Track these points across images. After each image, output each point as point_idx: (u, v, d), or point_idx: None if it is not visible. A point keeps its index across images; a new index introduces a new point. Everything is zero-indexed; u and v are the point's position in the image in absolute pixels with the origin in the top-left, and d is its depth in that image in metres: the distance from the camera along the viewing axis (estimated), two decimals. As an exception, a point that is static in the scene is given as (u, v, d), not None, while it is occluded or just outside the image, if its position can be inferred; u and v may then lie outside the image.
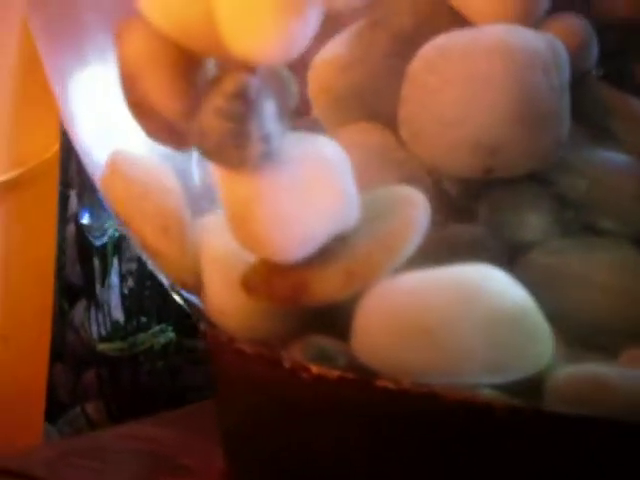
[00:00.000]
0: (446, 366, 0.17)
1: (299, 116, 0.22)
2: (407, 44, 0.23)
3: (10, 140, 0.31)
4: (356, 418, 0.19)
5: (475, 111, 0.21)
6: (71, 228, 0.31)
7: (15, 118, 0.30)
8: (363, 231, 0.18)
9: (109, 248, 0.33)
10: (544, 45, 0.21)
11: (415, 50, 0.23)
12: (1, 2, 0.28)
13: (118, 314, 0.33)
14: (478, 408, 0.17)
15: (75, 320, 0.32)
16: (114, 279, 0.33)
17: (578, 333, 0.21)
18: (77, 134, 0.25)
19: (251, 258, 0.20)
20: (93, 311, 0.32)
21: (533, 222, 0.23)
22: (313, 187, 0.17)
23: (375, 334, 0.18)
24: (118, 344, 0.33)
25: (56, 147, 0.30)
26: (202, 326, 0.25)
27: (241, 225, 0.18)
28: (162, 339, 0.35)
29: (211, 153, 0.17)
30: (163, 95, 0.17)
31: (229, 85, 0.16)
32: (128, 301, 0.34)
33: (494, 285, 0.17)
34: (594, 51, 0.23)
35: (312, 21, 0.16)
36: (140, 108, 0.18)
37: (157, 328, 0.35)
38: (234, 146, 0.16)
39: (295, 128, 0.19)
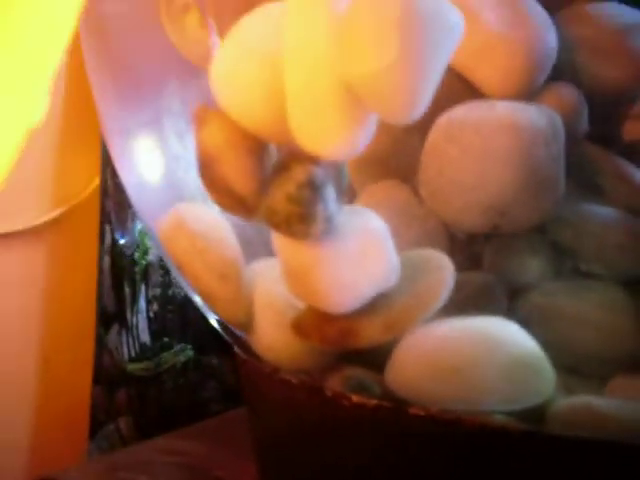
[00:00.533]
0: (469, 398, 0.22)
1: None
2: (426, 114, 0.28)
3: (53, 179, 0.35)
4: (390, 440, 0.24)
5: (487, 178, 0.25)
6: (106, 260, 0.36)
7: (58, 157, 0.34)
8: (401, 288, 0.22)
9: (138, 276, 0.37)
10: (545, 121, 0.26)
11: (433, 119, 0.27)
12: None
13: (145, 336, 0.38)
14: (495, 431, 0.22)
15: (109, 344, 0.36)
16: (142, 304, 0.37)
17: (572, 364, 0.26)
18: (131, 186, 0.29)
19: (300, 304, 0.25)
20: (124, 334, 0.37)
21: (531, 266, 0.27)
22: (363, 254, 0.22)
23: (410, 371, 0.23)
24: (145, 364, 0.38)
25: (96, 182, 0.34)
26: (242, 356, 0.29)
27: (300, 283, 0.23)
28: (182, 357, 0.39)
29: (279, 228, 0.21)
30: (237, 175, 0.22)
31: (299, 175, 0.20)
32: (153, 324, 0.38)
33: (509, 334, 0.22)
34: (585, 117, 0.28)
35: (370, 126, 0.20)
36: (216, 185, 0.22)
37: (178, 347, 0.39)
38: (301, 224, 0.21)
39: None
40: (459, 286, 0.25)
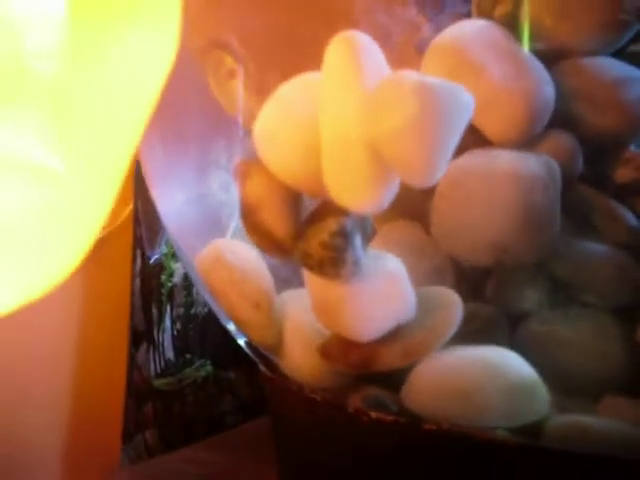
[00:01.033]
0: (475, 416, 0.27)
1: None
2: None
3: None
4: (406, 452, 0.28)
5: (491, 221, 0.29)
6: (137, 282, 0.40)
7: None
8: (417, 321, 0.27)
9: (164, 297, 0.42)
10: (543, 168, 0.30)
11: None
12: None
13: (170, 353, 0.42)
14: (497, 444, 0.27)
15: (139, 361, 0.40)
16: (167, 323, 0.42)
17: (567, 385, 0.29)
18: (170, 221, 0.33)
19: (327, 331, 0.29)
20: (152, 352, 0.41)
21: (530, 297, 0.31)
22: (384, 293, 0.26)
23: (424, 392, 0.27)
24: (170, 379, 0.42)
25: (129, 209, 0.38)
26: (268, 374, 0.33)
27: (328, 316, 0.27)
28: (202, 372, 0.44)
29: (313, 269, 0.25)
30: (276, 222, 0.26)
31: (332, 225, 0.25)
32: (177, 341, 0.43)
33: (509, 361, 0.26)
34: (580, 161, 0.32)
35: (394, 184, 0.24)
36: (256, 230, 0.26)
37: (198, 363, 0.44)
38: (332, 267, 0.25)
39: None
40: (468, 318, 0.29)
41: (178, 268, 0.42)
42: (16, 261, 0.21)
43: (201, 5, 0.31)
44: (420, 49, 0.31)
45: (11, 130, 0.17)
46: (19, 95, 0.18)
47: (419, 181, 0.24)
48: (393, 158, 0.24)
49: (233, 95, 0.29)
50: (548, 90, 0.30)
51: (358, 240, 0.25)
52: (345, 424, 0.29)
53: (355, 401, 0.29)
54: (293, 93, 0.26)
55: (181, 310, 0.42)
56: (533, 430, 0.27)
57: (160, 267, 0.41)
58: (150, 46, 0.21)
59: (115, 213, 0.38)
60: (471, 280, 0.31)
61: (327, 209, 0.25)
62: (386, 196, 0.24)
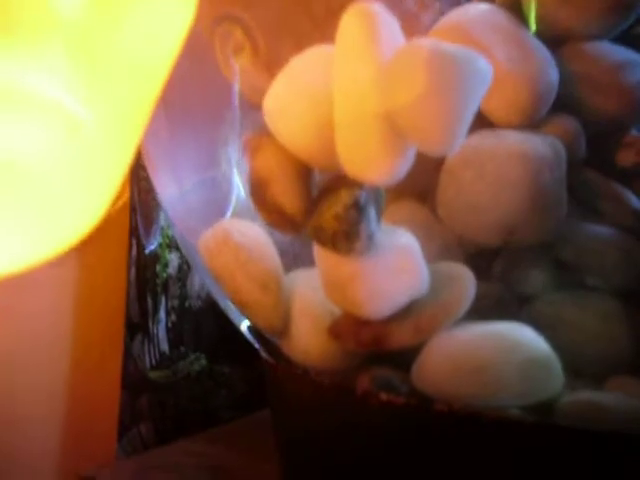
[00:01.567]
0: (489, 395, 0.26)
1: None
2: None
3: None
4: (417, 435, 0.28)
5: (500, 201, 0.30)
6: (133, 271, 0.39)
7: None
8: (428, 297, 0.26)
9: (159, 288, 0.41)
10: (549, 149, 0.30)
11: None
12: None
13: (164, 345, 0.41)
14: (510, 424, 0.26)
15: (134, 352, 0.40)
16: (162, 315, 0.41)
17: (572, 366, 0.30)
18: (170, 203, 0.33)
19: (336, 311, 0.29)
20: (146, 343, 0.40)
21: (536, 279, 0.32)
22: (397, 268, 0.26)
23: (436, 371, 0.27)
24: (164, 372, 0.41)
25: (126, 197, 0.38)
26: (270, 361, 0.33)
27: (340, 293, 0.26)
28: (197, 366, 0.43)
29: (325, 244, 0.25)
30: (287, 197, 0.25)
31: (346, 197, 0.24)
32: (171, 334, 0.42)
33: (524, 337, 0.26)
34: (583, 145, 0.32)
35: (409, 156, 0.24)
36: (266, 205, 0.26)
37: (193, 357, 0.43)
38: (346, 241, 0.25)
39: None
40: (476, 297, 0.29)
41: (173, 259, 0.41)
42: (38, 210, 0.21)
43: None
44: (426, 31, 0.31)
45: (43, 73, 0.17)
46: (51, 40, 0.17)
47: (438, 149, 0.24)
48: (410, 128, 0.23)
49: (241, 69, 0.29)
50: (552, 73, 0.31)
51: (372, 213, 0.25)
52: (353, 408, 0.29)
53: (364, 383, 0.28)
54: (306, 65, 0.25)
55: (176, 302, 0.41)
56: (545, 408, 0.27)
57: (155, 257, 0.40)
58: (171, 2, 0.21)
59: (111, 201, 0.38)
60: (477, 262, 0.31)
61: (340, 182, 0.25)
62: (402, 167, 0.24)
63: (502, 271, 0.31)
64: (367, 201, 0.25)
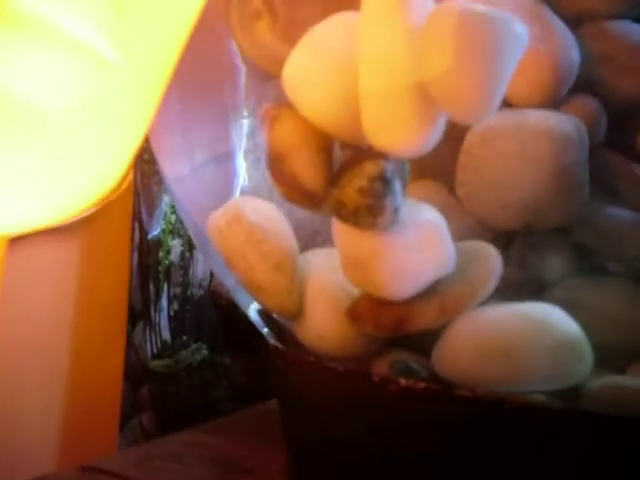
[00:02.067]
0: (515, 379, 0.25)
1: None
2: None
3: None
4: (438, 421, 0.26)
5: (522, 180, 0.28)
6: (135, 257, 0.38)
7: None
8: (454, 276, 0.25)
9: (161, 275, 0.40)
10: (574, 129, 0.29)
11: (467, 127, 0.30)
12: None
13: (166, 334, 0.40)
14: (537, 409, 0.25)
15: (135, 340, 0.38)
16: (164, 302, 0.40)
17: (594, 353, 0.29)
18: (178, 182, 0.32)
19: (355, 292, 0.27)
20: (148, 332, 0.39)
21: (556, 264, 0.31)
22: (423, 244, 0.24)
23: (459, 354, 0.26)
24: (166, 361, 0.40)
25: (129, 179, 0.36)
26: (279, 347, 0.31)
27: (361, 272, 0.25)
28: (198, 356, 0.42)
29: (347, 219, 0.24)
30: (307, 171, 0.24)
31: (371, 169, 0.23)
32: (173, 322, 0.41)
33: (555, 318, 0.25)
34: (603, 126, 0.31)
35: (439, 126, 0.23)
36: (285, 179, 0.25)
37: (194, 346, 0.42)
38: (369, 216, 0.23)
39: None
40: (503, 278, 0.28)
41: (175, 245, 0.40)
42: (60, 157, 0.19)
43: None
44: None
45: (75, 14, 0.16)
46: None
47: (473, 117, 0.22)
48: (443, 95, 0.22)
49: (258, 36, 0.27)
50: (574, 53, 0.30)
51: (398, 186, 0.23)
52: (370, 395, 0.27)
53: (382, 368, 0.27)
54: (328, 33, 0.24)
55: (178, 290, 0.40)
56: (572, 393, 0.26)
57: (158, 243, 0.39)
58: None
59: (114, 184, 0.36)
60: (496, 245, 0.30)
61: (363, 155, 0.24)
62: (432, 137, 0.23)
63: (519, 256, 0.30)
64: (393, 173, 0.23)
